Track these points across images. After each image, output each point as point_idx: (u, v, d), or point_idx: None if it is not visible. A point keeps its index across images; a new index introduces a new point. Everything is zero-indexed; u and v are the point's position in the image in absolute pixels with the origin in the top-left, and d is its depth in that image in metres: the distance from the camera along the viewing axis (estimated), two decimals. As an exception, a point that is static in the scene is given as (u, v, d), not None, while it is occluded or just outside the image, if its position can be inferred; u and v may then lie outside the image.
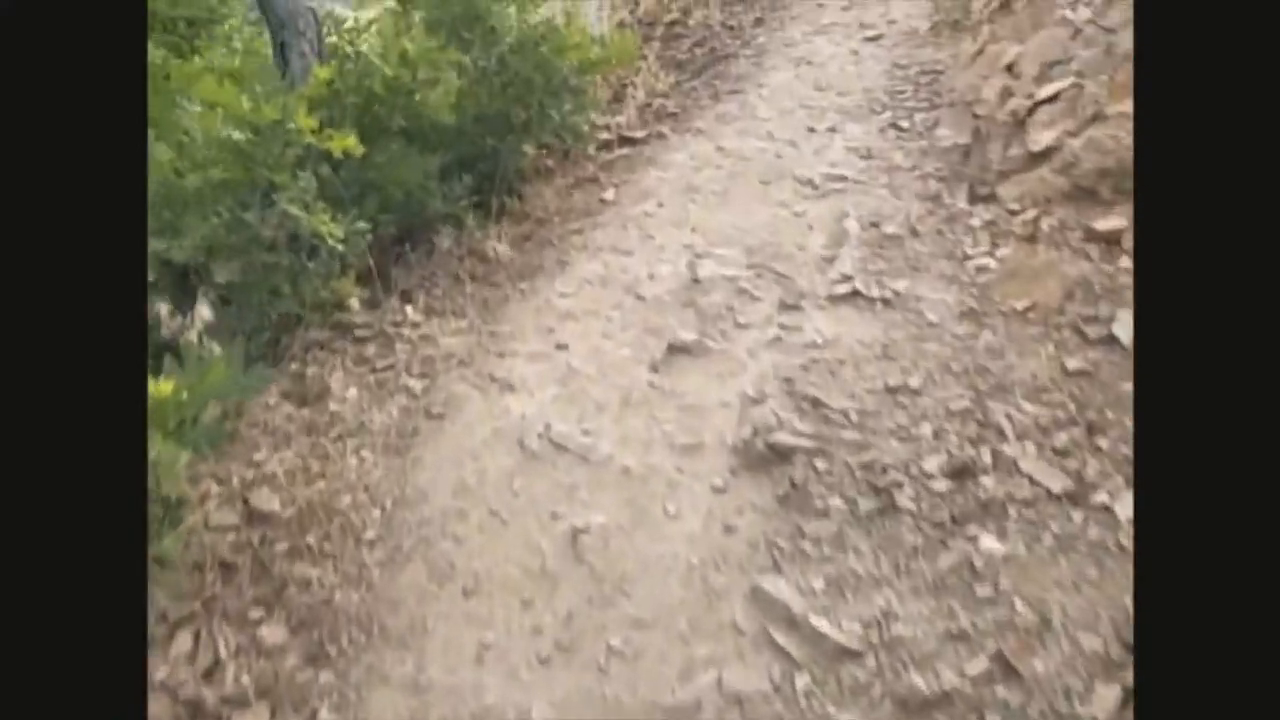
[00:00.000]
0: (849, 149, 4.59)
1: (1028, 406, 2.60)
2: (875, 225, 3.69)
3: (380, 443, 2.72)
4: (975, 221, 3.58)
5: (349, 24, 4.60)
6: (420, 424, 2.79)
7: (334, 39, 4.43)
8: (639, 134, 4.98)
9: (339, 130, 3.54)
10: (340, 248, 2.94)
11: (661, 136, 4.94)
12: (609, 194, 4.22)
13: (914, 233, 3.58)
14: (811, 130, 4.83)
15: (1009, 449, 2.49)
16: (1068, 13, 4.31)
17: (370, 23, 4.05)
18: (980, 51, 5.02)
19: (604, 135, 5.05)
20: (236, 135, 2.73)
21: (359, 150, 2.97)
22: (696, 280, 3.39)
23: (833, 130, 4.82)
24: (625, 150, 4.83)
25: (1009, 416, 2.58)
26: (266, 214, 3.02)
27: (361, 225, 3.15)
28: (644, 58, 6.21)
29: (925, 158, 4.40)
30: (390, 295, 3.63)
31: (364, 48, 3.65)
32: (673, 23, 6.52)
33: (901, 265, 3.38)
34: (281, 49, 3.87)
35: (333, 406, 2.86)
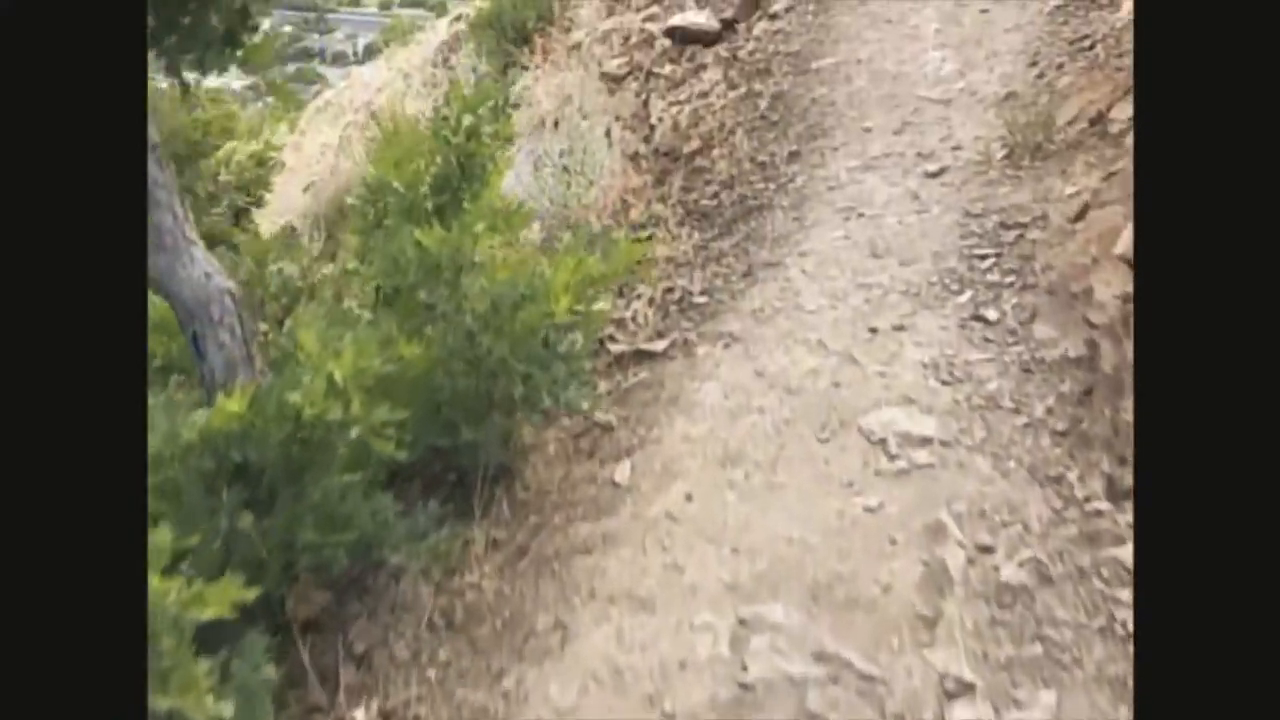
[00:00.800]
0: (925, 366, 3.60)
1: None
2: (986, 551, 2.70)
3: None
4: (1129, 552, 2.59)
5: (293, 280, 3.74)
6: None
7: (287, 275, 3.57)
8: (658, 345, 4.02)
9: (260, 450, 2.68)
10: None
11: (687, 347, 3.98)
12: (622, 472, 3.26)
13: (1043, 575, 2.59)
14: (873, 332, 3.84)
15: None
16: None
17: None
18: (1081, 215, 4.02)
19: (615, 343, 4.12)
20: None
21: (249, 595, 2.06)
22: (745, 685, 2.42)
23: (900, 329, 3.83)
24: (642, 373, 3.88)
25: None
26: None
27: (268, 674, 2.24)
28: (662, 201, 5.29)
29: (1029, 382, 3.41)
30: (342, 659, 2.76)
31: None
32: (694, 154, 5.55)
33: (1038, 655, 2.38)
34: (194, 340, 2.99)
35: None
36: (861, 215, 4.66)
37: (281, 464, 2.62)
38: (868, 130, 5.25)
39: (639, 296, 4.43)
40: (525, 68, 8.57)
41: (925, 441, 3.17)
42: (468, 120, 3.48)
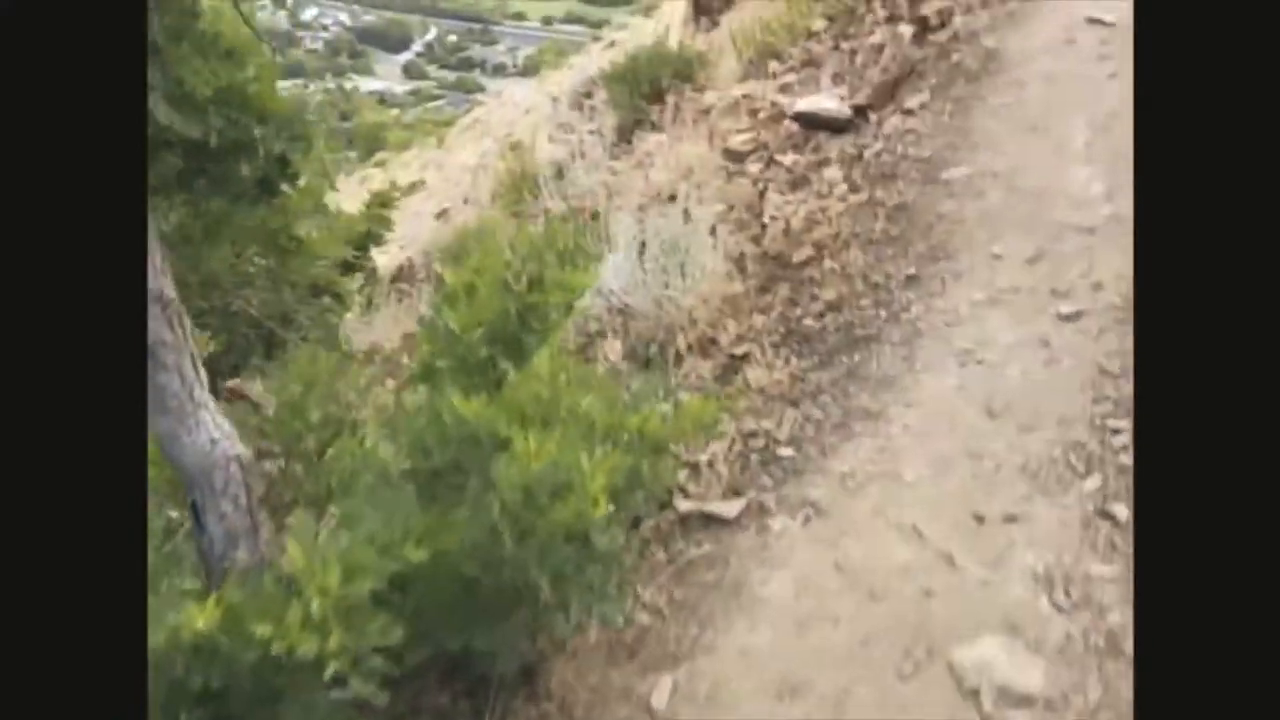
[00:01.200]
0: (1037, 578, 3.06)
1: None
2: None
3: None
4: None
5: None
6: None
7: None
8: (729, 509, 3.58)
9: (227, 669, 2.37)
10: None
11: (761, 516, 3.53)
12: (661, 694, 2.84)
13: None
14: (979, 521, 3.32)
15: None
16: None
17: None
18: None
19: (683, 499, 3.70)
20: None
21: None
22: None
23: (1011, 519, 3.30)
24: (706, 545, 3.45)
25: None
26: None
27: None
28: (763, 313, 4.85)
29: (1159, 620, 2.83)
30: None
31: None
32: (803, 264, 5.08)
33: None
34: (194, 509, 2.72)
35: None
36: (980, 362, 4.11)
37: (252, 687, 2.31)
38: (997, 257, 4.69)
39: (719, 436, 4.00)
40: (653, 124, 8.30)
41: (1027, 702, 2.64)
42: (531, 267, 3.14)
